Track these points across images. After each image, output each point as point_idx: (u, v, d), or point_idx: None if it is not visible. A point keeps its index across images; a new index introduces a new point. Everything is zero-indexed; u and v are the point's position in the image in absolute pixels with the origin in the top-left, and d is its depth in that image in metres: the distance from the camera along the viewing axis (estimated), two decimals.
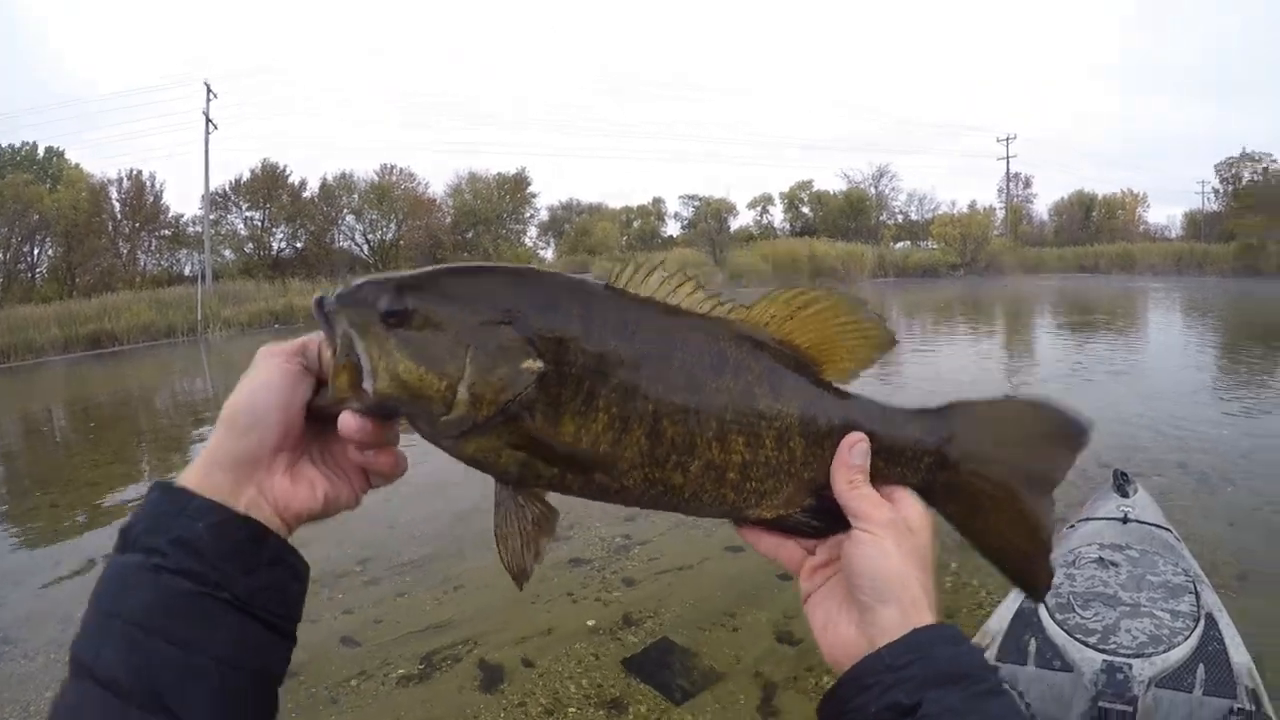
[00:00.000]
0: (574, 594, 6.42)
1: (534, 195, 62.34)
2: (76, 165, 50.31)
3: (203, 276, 41.81)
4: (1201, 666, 3.00)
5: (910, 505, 0.86)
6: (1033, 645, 3.19)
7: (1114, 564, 3.67)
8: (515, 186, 60.47)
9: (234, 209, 53.17)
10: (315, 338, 0.82)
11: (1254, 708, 2.89)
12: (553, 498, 0.87)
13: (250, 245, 53.23)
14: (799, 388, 0.86)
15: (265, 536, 0.77)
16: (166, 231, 52.05)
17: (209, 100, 46.93)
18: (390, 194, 55.43)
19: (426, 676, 5.28)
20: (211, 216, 49.89)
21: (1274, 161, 57.68)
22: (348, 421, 0.78)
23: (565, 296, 0.81)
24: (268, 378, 0.78)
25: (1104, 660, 3.00)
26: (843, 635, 0.86)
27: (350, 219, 55.83)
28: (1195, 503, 8.31)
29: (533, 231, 64.90)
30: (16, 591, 7.24)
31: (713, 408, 0.82)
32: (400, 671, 5.32)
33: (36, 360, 30.77)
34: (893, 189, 68.73)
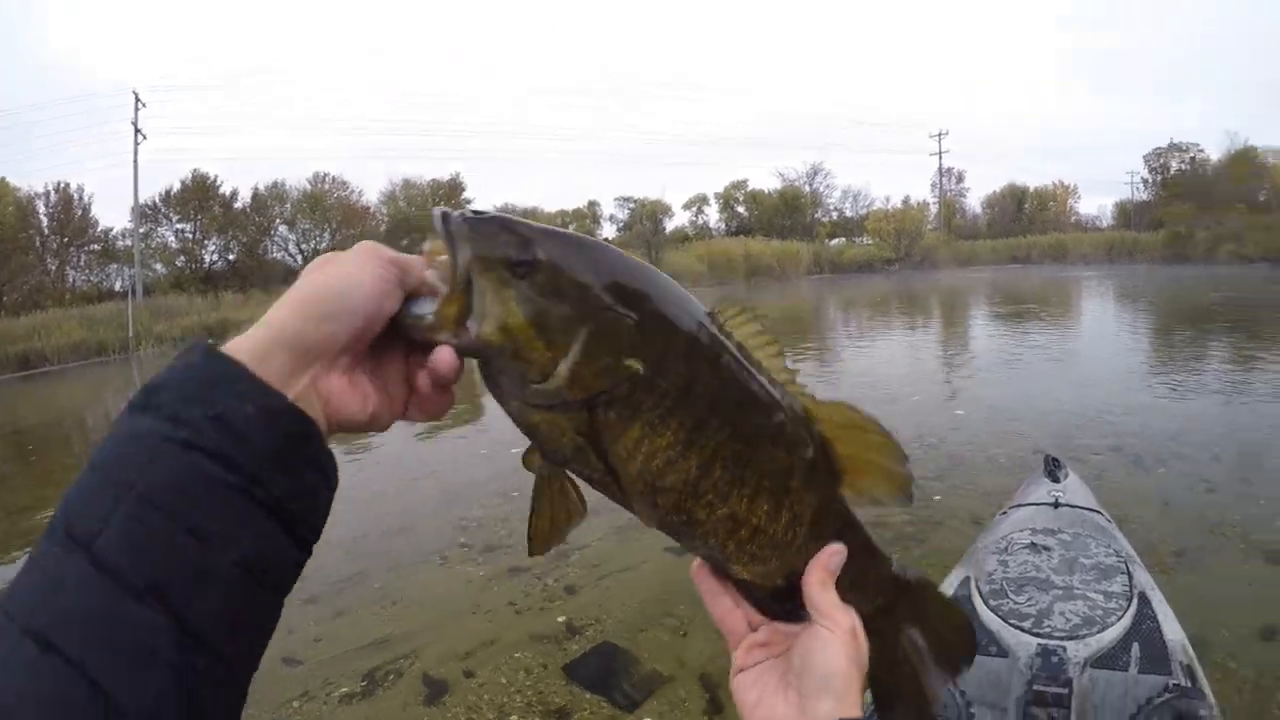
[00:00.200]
0: (515, 603, 6.40)
1: (469, 201, 61.19)
2: (1, 179, 48.49)
3: (133, 291, 40.84)
4: (1136, 645, 3.02)
5: (857, 619, 0.92)
6: None
7: (1046, 548, 3.69)
8: (450, 192, 59.67)
9: (164, 221, 51.83)
10: (416, 257, 0.77)
11: (1189, 683, 2.91)
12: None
13: (182, 258, 51.87)
14: (823, 487, 0.89)
15: (312, 436, 0.69)
16: (96, 246, 50.43)
17: (137, 110, 45.86)
18: (323, 203, 54.74)
19: (369, 693, 5.22)
20: (141, 229, 48.62)
21: (1201, 151, 60.08)
22: (446, 357, 0.74)
23: (680, 311, 0.80)
24: (363, 277, 0.71)
25: (1039, 644, 3.01)
26: (777, 717, 0.90)
27: (283, 229, 54.99)
28: (1130, 484, 8.50)
29: None
30: None
31: (759, 469, 0.84)
32: (343, 689, 5.24)
33: None
34: (827, 186, 69.61)
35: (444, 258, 0.75)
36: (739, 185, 69.80)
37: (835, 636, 0.88)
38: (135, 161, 45.85)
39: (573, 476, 0.85)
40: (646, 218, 62.96)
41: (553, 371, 0.74)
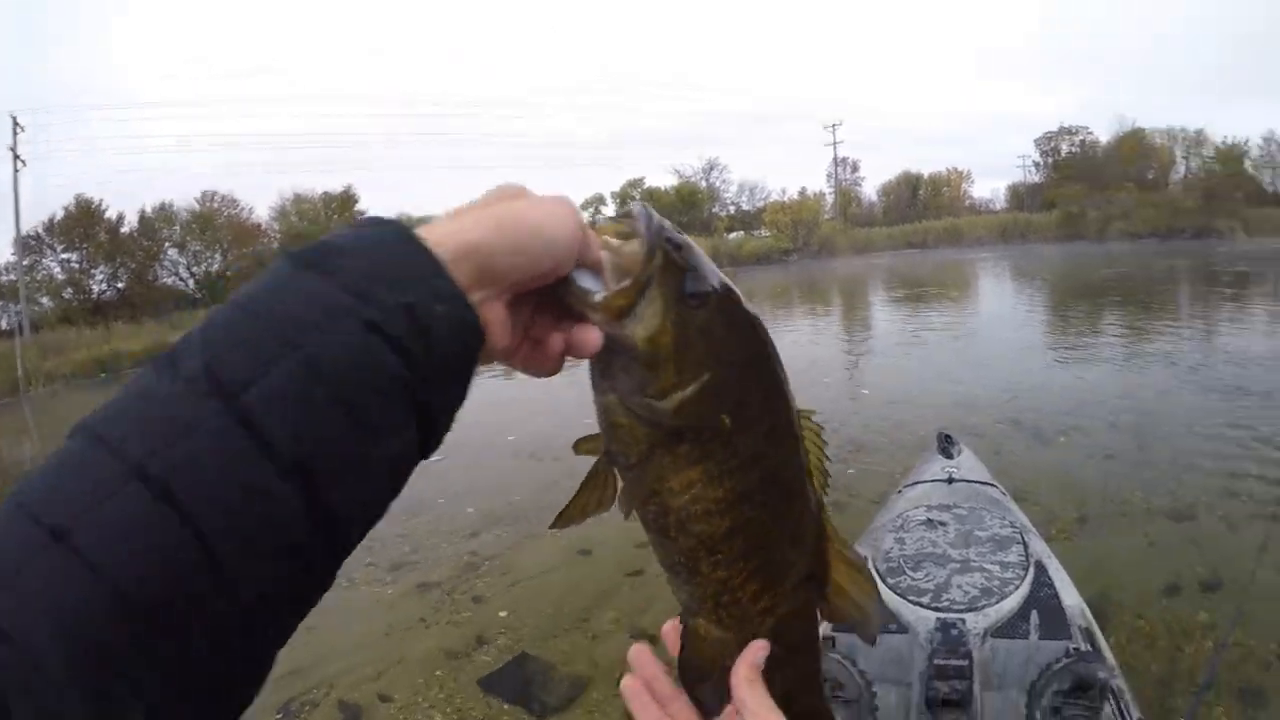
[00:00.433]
0: (425, 619, 6.36)
1: (362, 213, 60.12)
2: None
3: (20, 329, 38.60)
4: (1035, 613, 3.10)
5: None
6: None
7: (942, 524, 3.74)
8: (343, 204, 58.60)
9: (49, 252, 49.18)
10: (598, 239, 0.77)
11: (1088, 646, 2.98)
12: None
13: (69, 290, 49.22)
14: (806, 598, 0.96)
15: (477, 355, 0.65)
16: None
17: (15, 135, 43.47)
18: (213, 223, 52.83)
19: None
20: (26, 262, 46.09)
21: (1090, 134, 62.40)
22: (594, 338, 0.74)
23: (780, 394, 0.87)
24: (565, 228, 0.69)
25: (938, 618, 3.04)
26: None
27: (173, 252, 52.56)
28: (1031, 457, 8.80)
29: None
30: None
31: (769, 556, 0.90)
32: None
33: None
34: (724, 181, 69.95)
35: (627, 248, 0.76)
36: (635, 184, 69.77)
37: None
38: (16, 190, 43.27)
39: (616, 473, 0.87)
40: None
41: (668, 394, 0.78)
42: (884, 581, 3.29)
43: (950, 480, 4.45)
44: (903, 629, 3.07)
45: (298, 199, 57.80)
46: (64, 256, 49.03)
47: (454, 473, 9.25)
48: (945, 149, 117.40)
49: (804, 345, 18.76)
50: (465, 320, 0.62)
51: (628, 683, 0.99)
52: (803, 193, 65.42)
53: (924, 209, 64.80)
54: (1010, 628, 3.04)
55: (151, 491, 0.48)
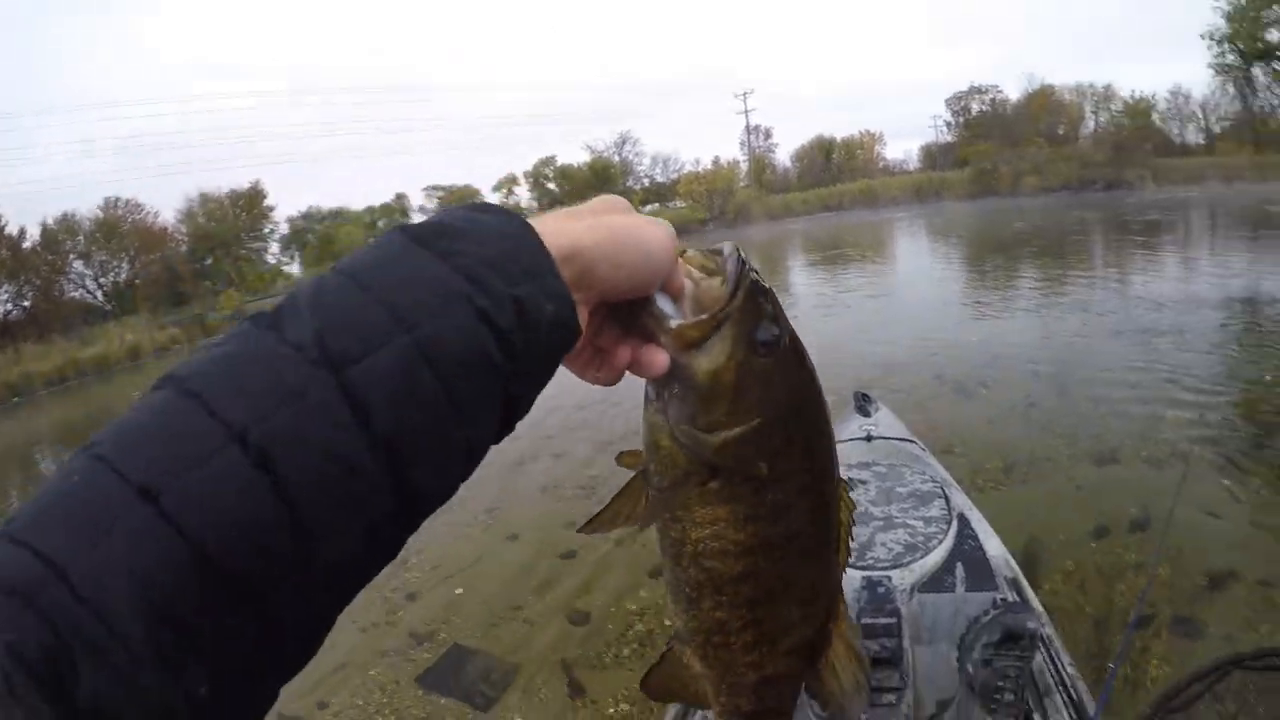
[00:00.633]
0: (358, 621, 6.21)
1: (271, 209, 59.76)
2: None
3: None
4: (960, 565, 3.19)
5: None
6: None
7: (862, 482, 3.78)
8: (250, 201, 57.81)
9: None
10: (685, 268, 0.79)
11: (1015, 596, 3.06)
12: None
13: None
14: (796, 664, 0.97)
15: (563, 356, 0.67)
16: None
17: None
18: (118, 230, 51.13)
19: None
20: None
21: (1000, 92, 63.91)
22: (662, 362, 0.76)
23: (824, 455, 0.89)
24: (665, 254, 0.72)
25: (863, 577, 3.04)
26: None
27: (79, 264, 50.63)
28: (954, 410, 8.93)
29: (274, 247, 62.47)
30: None
31: (772, 611, 0.92)
32: None
33: None
34: (636, 154, 69.88)
35: (708, 283, 0.79)
36: (548, 162, 69.73)
37: None
38: None
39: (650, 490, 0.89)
40: (456, 205, 61.54)
41: (715, 430, 0.79)
42: None
43: (869, 438, 4.50)
44: None
45: (204, 199, 56.29)
46: None
47: None
48: (858, 113, 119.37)
49: None
50: (568, 321, 0.63)
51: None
52: (716, 162, 65.63)
53: (838, 172, 65.52)
54: (936, 582, 3.11)
55: (249, 458, 0.48)
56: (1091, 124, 58.65)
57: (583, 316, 0.67)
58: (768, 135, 70.80)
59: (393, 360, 0.53)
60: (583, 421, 9.96)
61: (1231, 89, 36.47)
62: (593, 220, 0.69)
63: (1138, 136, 51.07)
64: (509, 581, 6.33)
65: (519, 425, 0.67)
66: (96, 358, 32.14)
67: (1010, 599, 2.89)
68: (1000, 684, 2.48)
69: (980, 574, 3.17)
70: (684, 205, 57.29)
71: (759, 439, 0.81)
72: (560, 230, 0.65)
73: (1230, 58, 29.46)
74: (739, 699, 0.99)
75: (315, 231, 63.09)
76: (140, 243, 51.53)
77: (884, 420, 4.89)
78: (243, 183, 58.70)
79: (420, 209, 68.06)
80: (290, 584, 0.50)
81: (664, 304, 0.77)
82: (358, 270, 0.57)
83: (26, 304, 47.56)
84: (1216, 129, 54.60)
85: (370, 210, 66.84)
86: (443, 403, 0.55)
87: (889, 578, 3.02)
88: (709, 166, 64.02)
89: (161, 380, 0.52)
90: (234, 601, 0.47)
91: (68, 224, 50.03)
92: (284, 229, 62.62)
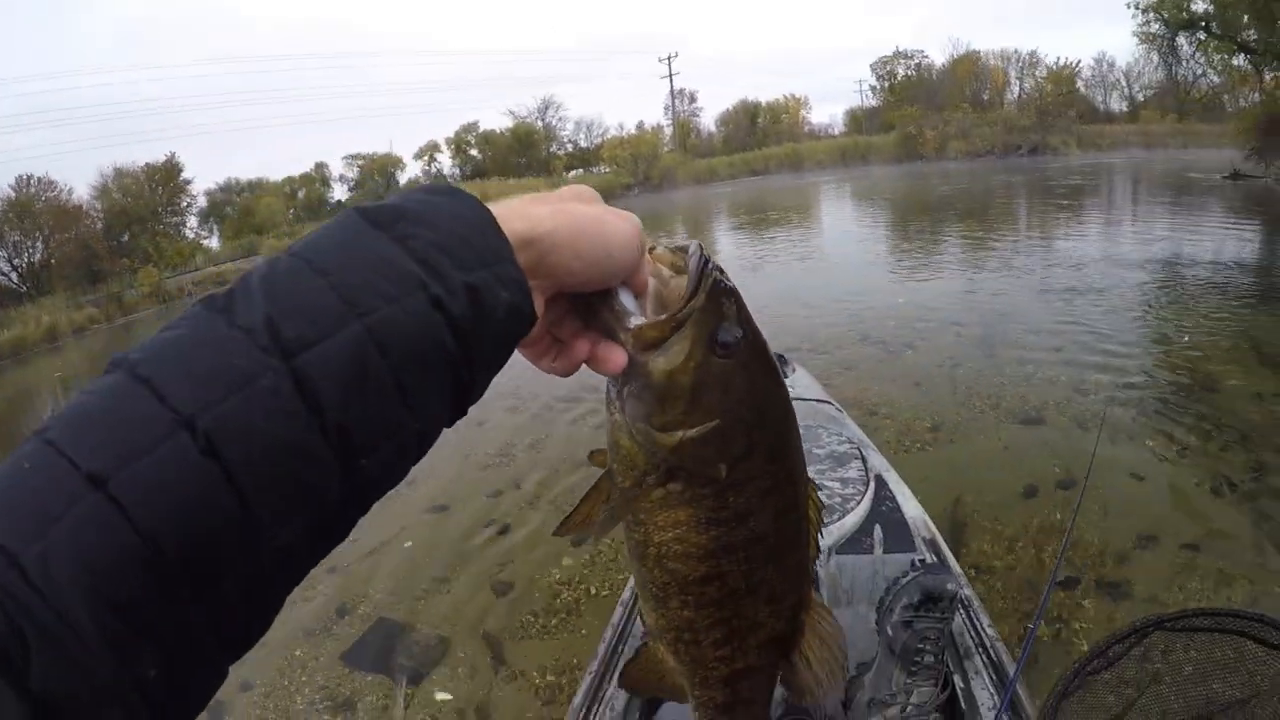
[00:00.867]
0: None
1: (188, 182, 58.13)
2: None
3: None
4: (878, 527, 3.18)
5: None
6: None
7: None
8: (167, 175, 56.25)
9: None
10: (651, 265, 0.78)
11: (933, 557, 3.07)
12: None
13: None
14: (769, 658, 0.98)
15: (517, 343, 0.68)
16: None
17: None
18: (31, 209, 49.30)
19: None
20: None
21: (925, 57, 65.35)
22: (620, 360, 0.76)
23: (789, 458, 0.89)
24: (630, 252, 0.72)
25: None
26: None
27: None
28: (880, 371, 8.93)
29: (192, 221, 60.94)
30: None
31: (739, 611, 0.92)
32: None
33: None
34: (560, 119, 69.64)
35: (674, 282, 0.79)
36: (470, 128, 69.22)
37: None
38: None
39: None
40: (378, 173, 63.19)
41: (671, 430, 0.79)
42: None
43: None
44: None
45: (119, 174, 54.68)
46: None
47: None
48: (784, 78, 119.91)
49: None
50: (522, 309, 0.63)
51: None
52: (641, 127, 65.93)
53: (764, 137, 66.15)
54: (854, 543, 3.09)
55: (198, 445, 0.48)
56: (1016, 90, 60.20)
57: (539, 304, 0.67)
58: (693, 99, 71.13)
59: (344, 347, 0.53)
60: (503, 388, 9.67)
61: (1156, 58, 37.32)
62: (557, 206, 0.68)
63: (1062, 103, 52.75)
64: (431, 553, 6.19)
65: None
66: (13, 340, 30.87)
67: (929, 560, 2.85)
68: (920, 646, 2.44)
69: (899, 536, 3.21)
70: (608, 171, 57.17)
71: (717, 440, 0.80)
72: (520, 214, 0.64)
73: (1155, 26, 30.03)
74: (713, 692, 1.00)
75: (234, 204, 62.26)
76: (55, 221, 49.91)
77: (800, 381, 4.84)
78: (158, 156, 57.16)
79: (340, 178, 67.75)
80: (239, 569, 0.50)
81: (626, 300, 0.76)
82: (311, 253, 0.56)
83: None
84: (1140, 97, 56.70)
85: (290, 180, 66.04)
86: (394, 389, 0.55)
87: None
88: (633, 131, 64.42)
89: (113, 363, 0.51)
90: (183, 587, 0.48)
91: None
92: (202, 202, 61.29)
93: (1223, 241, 15.49)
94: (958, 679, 2.55)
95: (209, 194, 62.16)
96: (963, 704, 2.48)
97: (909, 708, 2.41)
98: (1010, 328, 10.11)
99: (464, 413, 0.64)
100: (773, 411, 0.86)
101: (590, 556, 5.62)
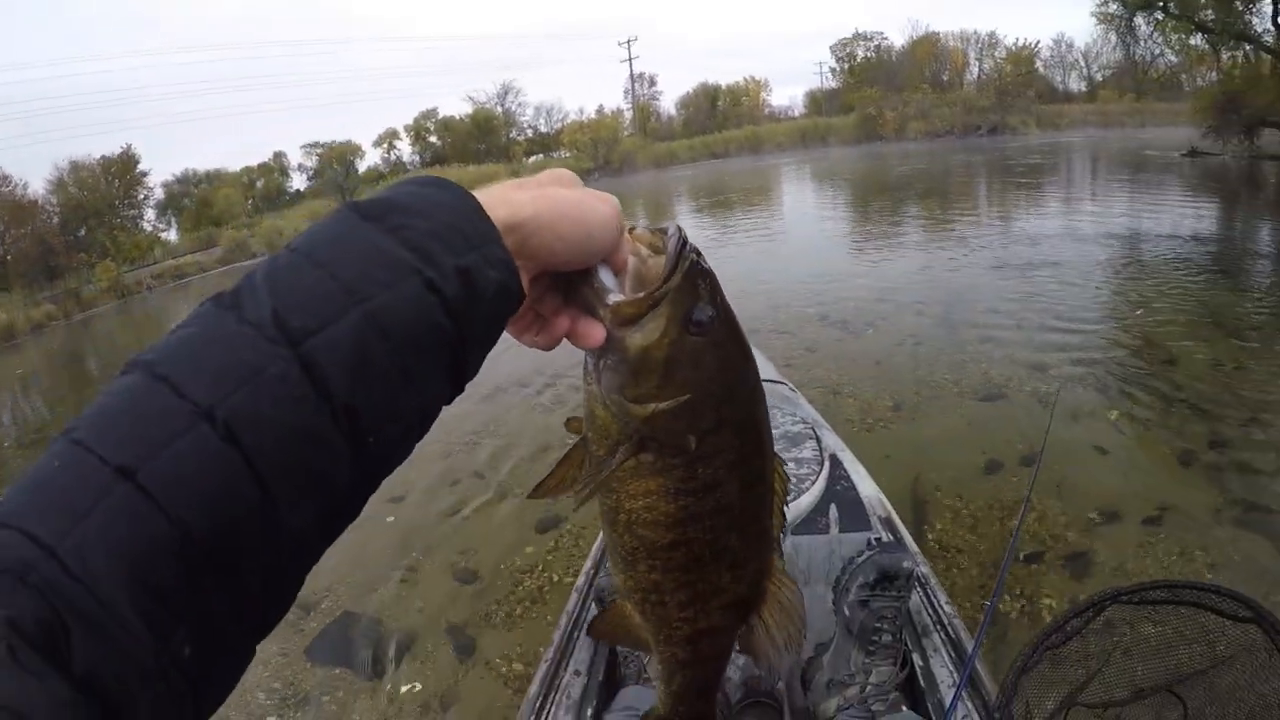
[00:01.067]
0: None
1: (144, 174, 57.26)
2: None
3: None
4: (833, 507, 3.15)
5: None
6: None
7: None
8: (123, 167, 55.49)
9: None
10: (631, 244, 0.81)
11: (890, 536, 3.06)
12: None
13: None
14: (730, 620, 1.02)
15: (508, 321, 0.71)
16: None
17: None
18: None
19: None
20: None
21: (885, 39, 65.93)
22: (598, 336, 0.78)
23: (754, 432, 0.91)
24: (609, 232, 0.74)
25: None
26: None
27: None
28: (841, 349, 8.95)
29: (150, 214, 60.05)
30: None
31: (705, 576, 0.96)
32: None
33: None
34: (519, 105, 69.56)
35: (652, 261, 0.81)
36: (429, 115, 68.99)
37: None
38: None
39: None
40: (337, 161, 63.02)
41: (644, 402, 0.82)
42: None
43: None
44: None
45: (75, 167, 53.65)
46: None
47: None
48: (743, 60, 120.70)
49: None
50: (511, 288, 0.66)
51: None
52: (600, 111, 65.89)
53: (724, 120, 66.33)
54: (810, 523, 3.09)
55: (219, 433, 0.51)
56: (976, 70, 60.68)
57: (524, 283, 0.69)
58: (652, 83, 71.21)
59: (347, 332, 0.56)
60: None
61: (1114, 38, 37.71)
62: (538, 191, 0.70)
63: (1021, 83, 53.25)
64: (393, 543, 6.12)
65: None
66: None
67: (885, 539, 2.83)
68: (878, 625, 2.42)
69: (854, 515, 3.21)
70: (569, 155, 57.06)
71: (687, 414, 0.83)
72: (504, 200, 0.67)
73: (1113, 7, 30.24)
74: (675, 648, 1.04)
75: (192, 195, 61.67)
76: (9, 217, 48.83)
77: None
78: (114, 148, 56.12)
79: (299, 167, 67.42)
80: (261, 549, 0.53)
81: (606, 278, 0.78)
82: (310, 247, 0.60)
83: None
84: (1098, 77, 57.35)
85: (248, 171, 65.61)
86: (397, 370, 0.59)
87: None
88: (593, 116, 64.42)
89: (129, 365, 0.54)
90: (211, 568, 0.51)
91: None
92: (159, 194, 60.53)
93: (1180, 217, 15.67)
94: (916, 657, 2.54)
95: (166, 186, 61.71)
96: (922, 682, 2.45)
97: (868, 687, 2.38)
98: (970, 304, 10.17)
99: (462, 389, 0.68)
100: (742, 389, 0.88)
101: (555, 542, 5.59)
